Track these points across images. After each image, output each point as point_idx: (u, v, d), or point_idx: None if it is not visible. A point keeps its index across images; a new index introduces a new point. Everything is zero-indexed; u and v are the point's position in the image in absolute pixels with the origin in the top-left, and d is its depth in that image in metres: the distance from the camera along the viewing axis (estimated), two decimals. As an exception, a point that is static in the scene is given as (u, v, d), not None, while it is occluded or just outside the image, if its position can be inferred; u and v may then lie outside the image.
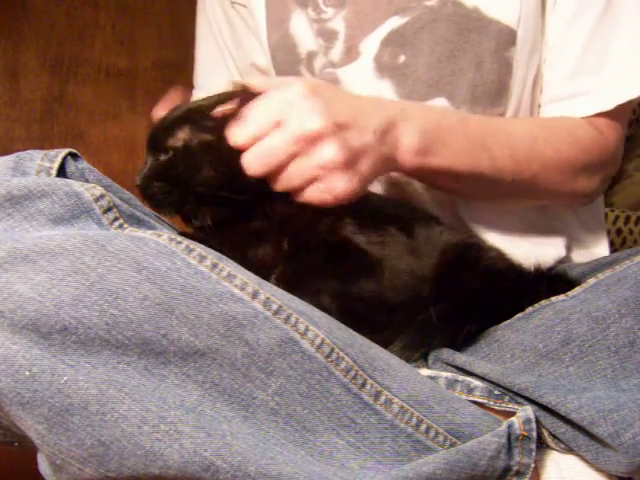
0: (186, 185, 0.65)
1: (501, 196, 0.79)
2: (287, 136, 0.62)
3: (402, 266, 0.66)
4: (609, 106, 0.76)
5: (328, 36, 0.83)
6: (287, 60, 0.86)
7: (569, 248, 0.85)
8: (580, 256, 0.87)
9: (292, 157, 0.62)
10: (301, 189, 0.64)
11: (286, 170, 0.63)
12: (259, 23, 0.86)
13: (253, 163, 0.63)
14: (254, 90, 0.65)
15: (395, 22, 0.80)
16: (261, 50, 0.89)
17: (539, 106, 0.82)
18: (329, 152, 0.62)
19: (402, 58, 0.80)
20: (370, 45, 0.81)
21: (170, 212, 0.67)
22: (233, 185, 0.65)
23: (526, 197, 0.80)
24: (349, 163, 0.63)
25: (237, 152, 0.64)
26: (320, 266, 0.65)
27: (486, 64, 0.78)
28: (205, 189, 0.65)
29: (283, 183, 0.64)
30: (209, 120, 0.65)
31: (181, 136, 0.66)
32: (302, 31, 0.84)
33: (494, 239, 0.80)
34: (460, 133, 0.71)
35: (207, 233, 0.66)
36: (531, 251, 0.79)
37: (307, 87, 0.64)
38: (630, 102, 0.77)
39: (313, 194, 0.63)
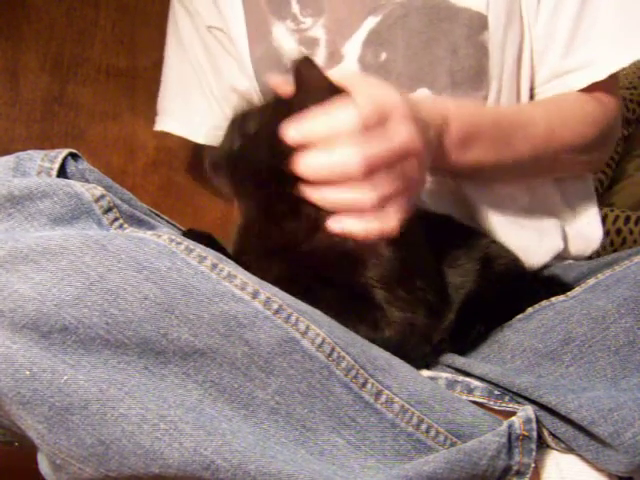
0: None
1: (520, 177, 0.83)
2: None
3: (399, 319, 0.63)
4: (602, 76, 0.79)
5: (310, 44, 0.84)
6: (272, 72, 0.86)
7: (564, 234, 0.86)
8: (575, 243, 0.87)
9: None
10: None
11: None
12: (240, 41, 0.86)
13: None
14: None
15: (371, 22, 0.82)
16: (241, 73, 0.89)
17: (531, 88, 0.84)
18: (407, 130, 0.59)
19: (383, 55, 0.82)
20: (352, 48, 0.83)
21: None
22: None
23: (543, 175, 0.85)
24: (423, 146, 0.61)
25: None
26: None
27: (461, 50, 0.79)
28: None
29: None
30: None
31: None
32: (285, 42, 0.85)
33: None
34: (491, 135, 0.74)
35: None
36: (525, 240, 0.80)
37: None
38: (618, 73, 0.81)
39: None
